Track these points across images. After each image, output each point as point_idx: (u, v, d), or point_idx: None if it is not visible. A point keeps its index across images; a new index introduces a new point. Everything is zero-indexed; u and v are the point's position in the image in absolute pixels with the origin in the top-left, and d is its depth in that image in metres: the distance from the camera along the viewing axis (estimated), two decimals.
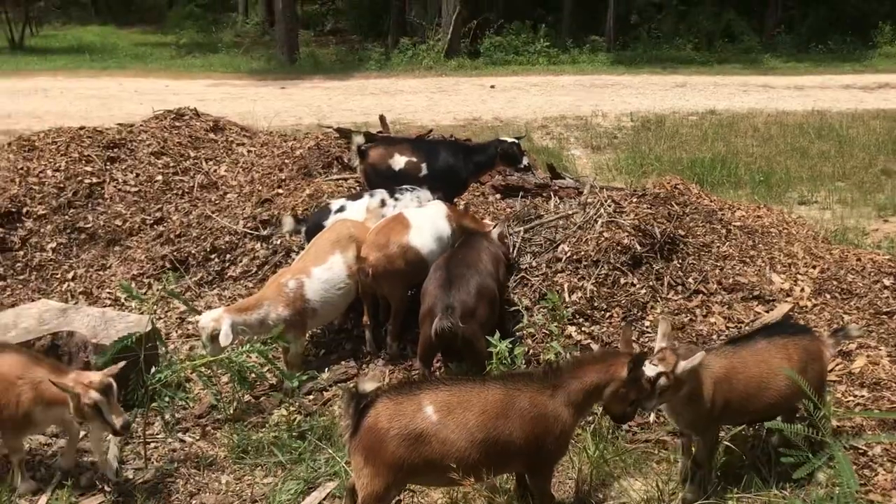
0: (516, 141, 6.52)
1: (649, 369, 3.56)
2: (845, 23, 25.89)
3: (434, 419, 3.33)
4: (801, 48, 24.62)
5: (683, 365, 3.56)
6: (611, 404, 3.64)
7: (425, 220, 5.41)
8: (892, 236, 7.96)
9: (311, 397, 4.98)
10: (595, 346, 5.00)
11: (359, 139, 6.43)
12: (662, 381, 3.56)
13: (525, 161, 6.63)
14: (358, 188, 6.65)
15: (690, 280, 5.54)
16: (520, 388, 3.49)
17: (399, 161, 6.40)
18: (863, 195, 9.52)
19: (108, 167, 7.54)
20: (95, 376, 3.82)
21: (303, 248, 5.64)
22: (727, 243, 6.04)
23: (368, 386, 3.37)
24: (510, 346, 4.46)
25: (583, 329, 5.15)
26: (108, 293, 6.28)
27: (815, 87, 18.56)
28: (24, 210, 6.94)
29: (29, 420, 3.91)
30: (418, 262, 5.22)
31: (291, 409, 4.62)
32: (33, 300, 6.00)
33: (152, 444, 4.52)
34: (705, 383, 3.77)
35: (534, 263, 5.71)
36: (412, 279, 5.28)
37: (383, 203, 5.77)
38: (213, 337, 4.59)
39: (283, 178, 7.06)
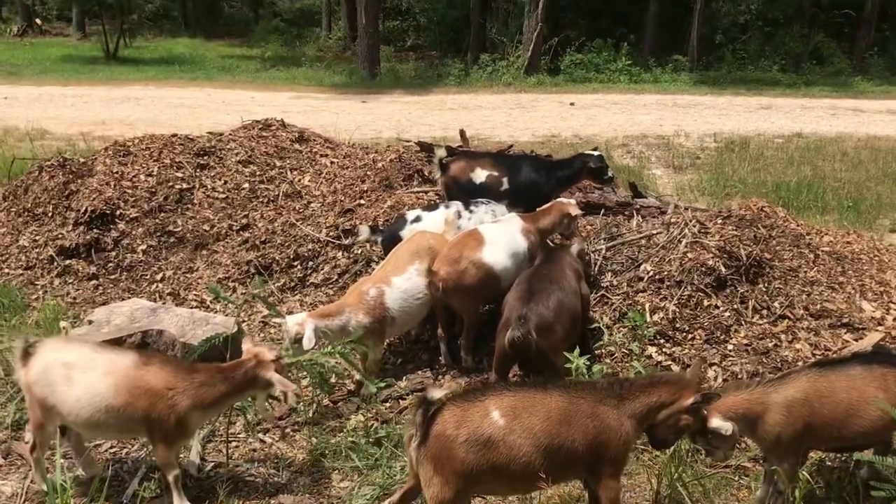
0: (600, 154, 6.51)
1: (717, 424, 3.62)
2: None
3: (501, 423, 3.35)
4: (894, 71, 23.79)
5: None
6: (660, 427, 3.65)
7: (500, 236, 5.40)
8: None
9: (387, 405, 5.03)
10: (676, 368, 4.91)
11: (441, 152, 6.51)
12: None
13: (610, 172, 6.62)
14: (438, 201, 6.71)
15: (776, 304, 5.40)
16: (583, 397, 3.51)
17: (480, 175, 6.46)
18: None
19: (197, 174, 7.80)
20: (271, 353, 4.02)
21: (382, 258, 5.72)
22: (815, 268, 5.86)
23: (436, 394, 3.39)
24: (588, 363, 4.42)
25: (664, 350, 5.07)
26: (195, 295, 6.48)
27: None
28: (118, 212, 7.23)
29: (184, 428, 3.92)
30: (490, 278, 5.22)
31: (369, 415, 4.68)
32: (123, 299, 6.24)
33: (234, 444, 4.64)
34: (773, 412, 3.71)
35: (615, 282, 5.65)
36: (484, 295, 5.30)
37: (459, 215, 5.80)
38: (297, 340, 4.68)
39: (365, 189, 7.17)
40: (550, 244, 5.65)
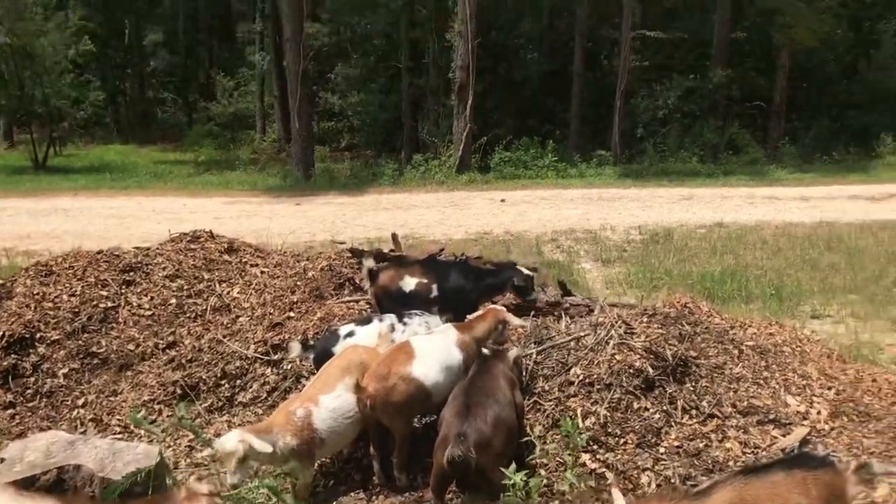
0: (531, 275, 6.59)
1: None
2: (848, 134, 26.55)
3: None
4: (805, 159, 25.11)
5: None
6: None
7: (432, 350, 5.31)
8: None
9: None
10: (610, 476, 4.90)
11: (369, 262, 6.54)
12: None
13: (534, 294, 6.70)
14: (369, 310, 6.70)
15: (704, 403, 5.47)
16: None
17: (410, 283, 6.49)
18: (875, 308, 9.48)
19: (123, 291, 7.65)
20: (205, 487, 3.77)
21: (314, 374, 5.63)
22: (740, 364, 5.99)
23: None
24: (525, 478, 4.37)
25: (597, 457, 5.06)
26: (119, 420, 6.26)
27: (822, 197, 18.79)
28: (38, 335, 7.00)
29: None
30: (420, 393, 5.11)
31: None
32: (42, 428, 5.98)
33: None
34: None
35: (546, 387, 5.66)
36: (414, 411, 5.21)
37: (393, 328, 5.77)
38: (243, 459, 4.47)
39: (295, 300, 7.12)
40: (484, 352, 5.64)
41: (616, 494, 3.92)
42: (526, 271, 6.59)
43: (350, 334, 5.75)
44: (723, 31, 26.78)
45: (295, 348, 5.79)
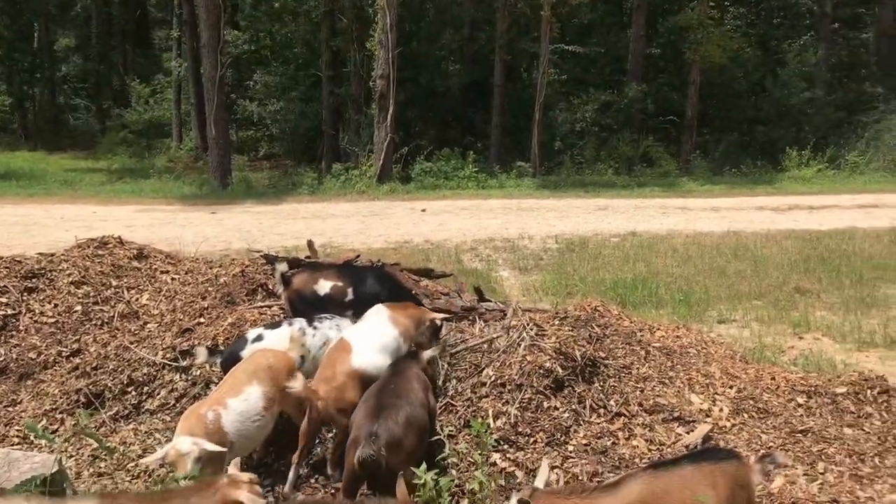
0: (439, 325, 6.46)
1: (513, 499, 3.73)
2: (756, 148, 27.69)
3: None
4: (715, 171, 26.04)
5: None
6: None
7: (367, 336, 5.40)
8: (807, 353, 8.25)
9: None
10: (520, 474, 4.97)
11: (282, 266, 6.46)
12: None
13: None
14: (283, 315, 6.62)
15: (612, 402, 5.62)
16: None
17: (325, 286, 6.44)
18: (778, 313, 9.89)
19: (24, 298, 7.36)
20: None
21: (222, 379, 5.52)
22: (647, 364, 6.16)
23: None
24: (435, 477, 4.38)
25: (507, 456, 5.13)
26: (17, 430, 5.99)
27: (731, 208, 19.50)
28: None
29: None
30: (368, 381, 5.13)
31: None
32: None
33: None
34: None
35: (459, 388, 5.71)
36: None
37: (303, 332, 5.72)
38: (200, 458, 4.35)
39: (206, 306, 6.98)
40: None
41: (543, 468, 4.02)
42: (437, 315, 6.10)
43: (258, 338, 5.66)
44: (637, 47, 27.62)
45: (201, 353, 5.67)
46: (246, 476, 3.85)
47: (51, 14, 36.06)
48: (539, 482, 4.03)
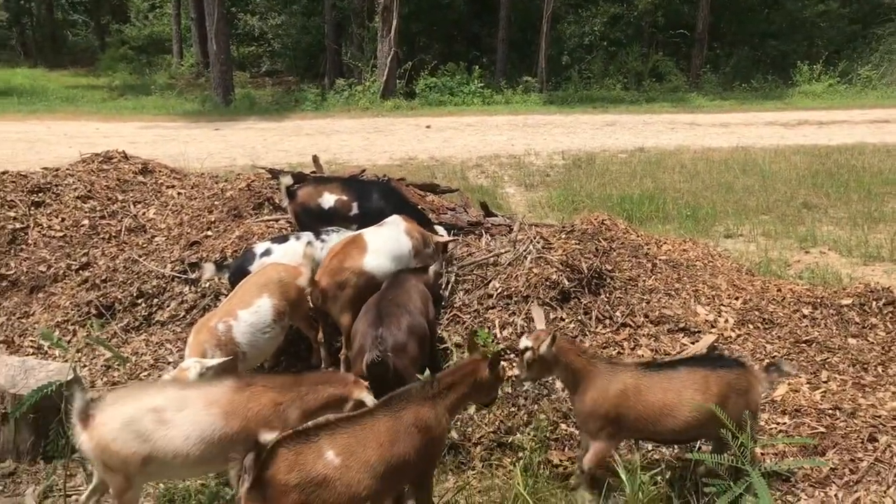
0: (445, 241, 6.39)
1: (522, 342, 4.16)
2: (767, 63, 27.12)
3: (336, 463, 3.32)
4: (725, 87, 25.62)
5: (545, 346, 4.02)
6: (480, 398, 4.11)
7: (383, 241, 5.39)
8: (813, 267, 8.26)
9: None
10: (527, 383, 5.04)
11: (287, 179, 6.41)
12: (528, 355, 4.08)
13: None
14: (289, 229, 6.62)
15: (618, 314, 5.65)
16: (405, 407, 3.65)
17: (329, 199, 6.40)
18: (785, 228, 9.86)
19: (31, 212, 7.36)
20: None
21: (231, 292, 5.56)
22: (653, 277, 6.18)
23: (267, 436, 3.29)
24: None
25: (513, 364, 5.18)
26: (31, 341, 6.09)
27: (740, 123, 19.26)
28: None
29: None
30: (373, 285, 5.16)
31: None
32: None
33: (73, 497, 4.37)
34: (596, 387, 4.03)
35: (466, 301, 5.75)
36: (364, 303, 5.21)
37: (310, 244, 5.71)
38: (202, 374, 4.44)
39: (213, 220, 6.98)
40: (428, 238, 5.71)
41: (538, 314, 4.35)
42: (442, 237, 6.12)
43: (266, 253, 5.65)
44: None
45: (209, 269, 5.67)
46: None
47: None
48: (538, 325, 4.30)
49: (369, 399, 3.94)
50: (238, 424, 3.71)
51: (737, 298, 6.17)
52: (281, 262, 5.43)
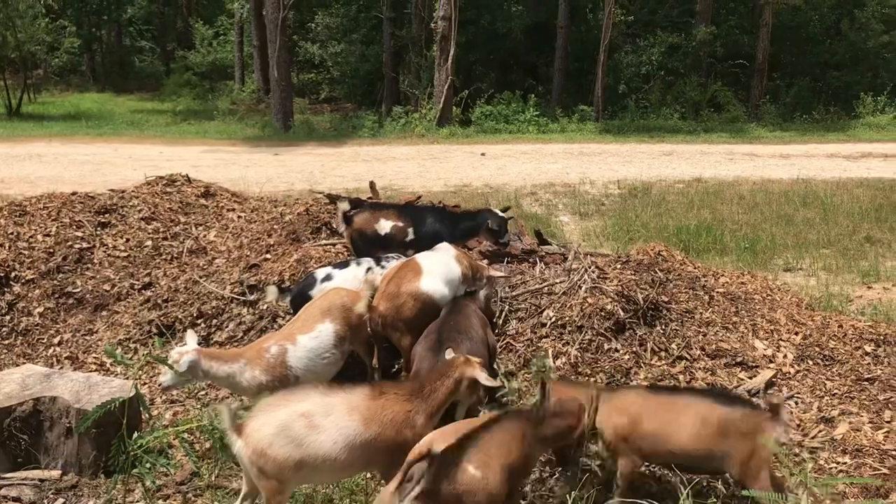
0: (505, 217, 6.61)
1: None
2: (828, 93, 26.64)
3: (478, 476, 3.56)
4: (786, 118, 25.22)
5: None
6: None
7: (437, 264, 5.44)
8: (875, 303, 8.05)
9: None
10: None
11: (345, 205, 6.52)
12: None
13: (506, 238, 6.69)
14: (346, 253, 6.72)
15: (673, 346, 5.58)
16: (515, 424, 3.94)
17: (385, 226, 6.48)
18: (847, 262, 9.64)
19: (98, 232, 7.62)
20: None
21: (290, 315, 5.65)
22: (710, 309, 6.09)
23: (438, 447, 3.55)
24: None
25: None
26: (94, 358, 6.27)
27: (800, 155, 18.92)
28: (13, 275, 6.98)
29: None
30: (430, 308, 5.20)
31: None
32: (18, 365, 5.99)
33: None
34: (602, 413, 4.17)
35: (519, 329, 5.74)
36: (424, 326, 5.21)
37: (370, 270, 5.78)
38: (178, 370, 4.57)
39: (272, 243, 7.12)
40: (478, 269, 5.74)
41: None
42: (501, 214, 6.61)
43: (327, 278, 5.74)
44: None
45: (272, 292, 5.77)
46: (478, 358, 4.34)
47: None
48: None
49: (482, 376, 4.19)
50: (376, 430, 3.89)
51: (796, 333, 6.04)
52: (343, 287, 5.49)
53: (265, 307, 6.26)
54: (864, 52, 27.23)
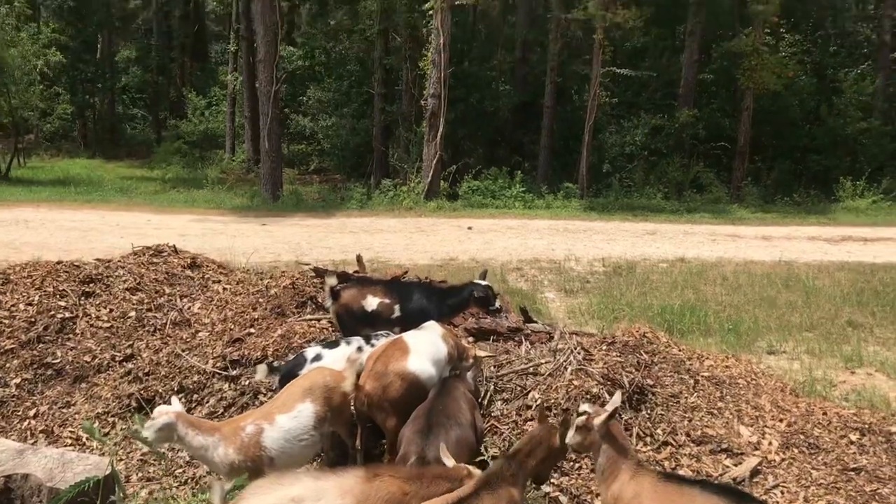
0: (488, 284, 6.66)
1: (582, 406, 4.56)
2: (809, 177, 27.22)
3: None
4: (767, 199, 25.64)
5: (601, 418, 4.33)
6: (545, 468, 4.49)
7: (424, 344, 5.42)
8: (859, 388, 8.05)
9: None
10: (564, 500, 4.93)
11: (332, 280, 6.52)
12: (583, 419, 4.37)
13: (497, 303, 6.73)
14: (331, 329, 6.69)
15: (659, 431, 5.55)
16: (498, 486, 4.05)
17: (372, 302, 6.49)
18: (830, 346, 9.67)
19: (81, 302, 7.56)
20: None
21: (271, 391, 5.59)
22: (695, 394, 6.08)
23: None
24: None
25: (552, 481, 5.09)
26: (71, 432, 6.15)
27: (782, 237, 19.17)
28: None
29: None
30: (417, 388, 5.17)
31: None
32: None
33: None
34: (619, 481, 4.20)
35: (504, 410, 5.70)
36: (411, 406, 5.16)
37: (360, 349, 5.74)
38: (163, 430, 4.58)
39: (256, 317, 7.09)
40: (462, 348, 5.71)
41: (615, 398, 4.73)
42: (483, 283, 6.63)
43: (317, 357, 5.68)
44: (690, 72, 27.36)
45: (261, 370, 5.70)
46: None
47: (114, 26, 37.25)
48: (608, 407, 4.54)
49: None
50: None
51: (781, 420, 6.03)
52: (326, 367, 5.42)
53: (247, 383, 6.20)
54: (843, 138, 27.93)
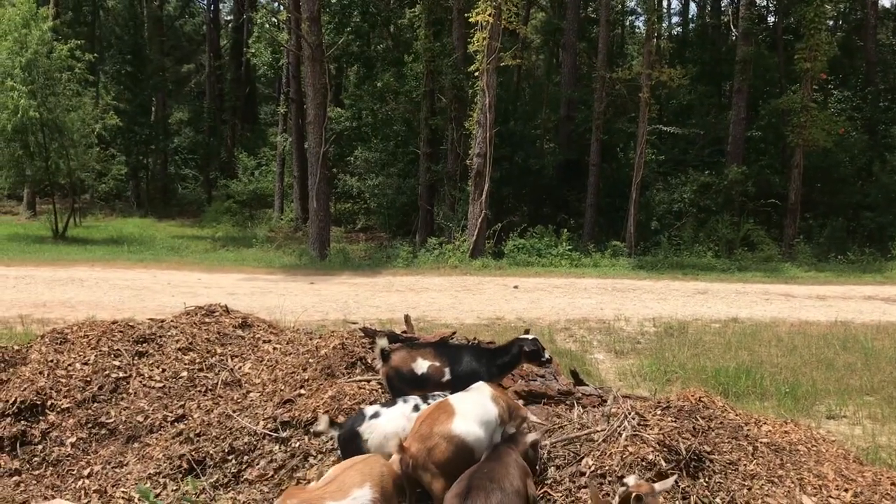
0: (535, 337, 6.59)
1: (628, 479, 4.57)
2: (863, 234, 26.70)
3: None
4: (820, 258, 25.15)
5: (647, 490, 4.32)
6: None
7: (471, 405, 5.35)
8: None
9: None
10: None
11: (383, 342, 6.52)
12: (624, 490, 4.40)
13: (546, 354, 6.65)
14: (381, 390, 6.66)
15: (717, 500, 5.35)
16: None
17: (422, 365, 6.46)
18: (893, 411, 9.33)
19: (135, 362, 7.66)
20: None
21: (320, 453, 5.55)
22: (754, 461, 5.87)
23: None
24: None
25: None
26: (123, 492, 6.15)
27: (837, 297, 18.72)
28: (49, 403, 6.98)
29: None
30: (463, 451, 5.09)
31: None
32: (46, 497, 5.92)
33: None
34: None
35: (557, 477, 5.57)
36: (458, 469, 5.06)
37: (416, 408, 5.72)
38: None
39: (307, 377, 7.09)
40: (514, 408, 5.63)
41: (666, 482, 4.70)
42: (529, 336, 6.56)
43: (375, 415, 5.66)
44: (738, 129, 27.26)
45: (323, 421, 5.67)
46: None
47: (168, 90, 38.59)
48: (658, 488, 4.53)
49: None
50: None
51: (846, 490, 5.77)
52: (383, 459, 5.22)
53: (297, 444, 6.17)
54: None
